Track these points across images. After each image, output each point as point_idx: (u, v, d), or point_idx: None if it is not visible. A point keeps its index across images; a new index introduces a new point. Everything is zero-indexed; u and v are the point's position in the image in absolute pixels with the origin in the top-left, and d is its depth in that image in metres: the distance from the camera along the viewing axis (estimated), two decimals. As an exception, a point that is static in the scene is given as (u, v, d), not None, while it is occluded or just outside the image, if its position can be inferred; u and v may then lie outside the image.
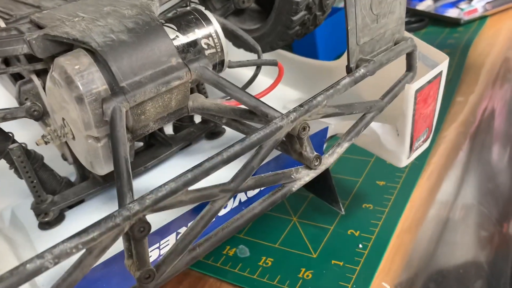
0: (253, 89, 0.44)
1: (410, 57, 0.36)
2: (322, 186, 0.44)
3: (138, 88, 0.29)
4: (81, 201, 0.41)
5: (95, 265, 0.31)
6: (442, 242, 0.50)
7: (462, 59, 0.68)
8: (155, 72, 0.30)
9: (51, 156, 0.42)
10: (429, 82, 0.35)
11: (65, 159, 0.42)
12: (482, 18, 0.80)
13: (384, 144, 0.38)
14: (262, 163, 0.36)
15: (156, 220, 0.33)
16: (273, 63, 0.40)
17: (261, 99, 0.40)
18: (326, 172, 0.42)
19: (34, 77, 0.35)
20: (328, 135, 0.41)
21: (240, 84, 0.44)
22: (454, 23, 0.80)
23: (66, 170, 0.43)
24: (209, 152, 0.46)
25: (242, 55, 0.46)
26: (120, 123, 0.28)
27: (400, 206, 0.44)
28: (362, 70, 0.33)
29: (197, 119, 0.47)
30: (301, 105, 0.30)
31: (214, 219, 0.35)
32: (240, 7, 0.45)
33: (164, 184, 0.25)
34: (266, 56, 0.48)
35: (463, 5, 0.84)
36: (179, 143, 0.44)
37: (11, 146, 0.35)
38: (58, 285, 0.23)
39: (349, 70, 0.34)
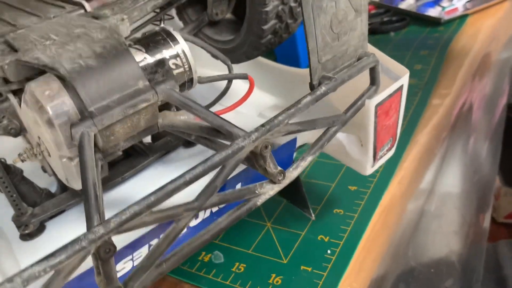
0: (229, 95, 0.45)
1: (373, 72, 0.38)
2: (294, 192, 0.45)
3: (106, 112, 0.30)
4: (61, 211, 0.42)
5: (70, 280, 0.33)
6: (413, 243, 0.52)
7: (440, 60, 0.70)
8: (123, 96, 0.31)
9: (32, 167, 0.43)
10: (390, 96, 0.37)
11: (44, 171, 0.43)
12: (463, 17, 0.82)
13: (350, 153, 0.40)
14: (232, 175, 0.38)
15: (129, 234, 0.34)
16: (244, 77, 0.41)
17: (237, 108, 0.42)
18: (297, 180, 0.44)
19: (11, 96, 0.37)
20: (298, 144, 0.43)
21: (216, 92, 0.46)
22: (435, 22, 0.81)
23: (47, 181, 0.45)
24: (187, 160, 0.48)
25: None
26: (88, 147, 0.29)
27: (369, 211, 0.45)
28: (323, 88, 0.34)
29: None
30: (262, 125, 0.31)
31: (184, 230, 0.37)
32: (214, 19, 0.47)
33: (128, 207, 0.26)
34: (244, 65, 0.50)
35: (444, 3, 0.85)
36: (157, 152, 0.46)
37: (-9, 163, 0.36)
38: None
39: (311, 87, 0.35)
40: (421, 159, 0.54)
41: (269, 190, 0.33)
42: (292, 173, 0.35)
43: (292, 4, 0.43)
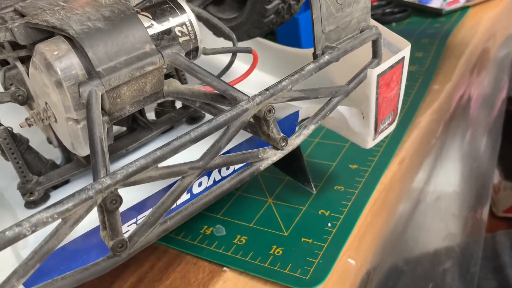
0: (232, 76, 0.46)
1: (375, 45, 0.38)
2: (295, 167, 0.46)
3: (113, 72, 0.31)
4: (66, 182, 0.43)
5: (75, 238, 0.33)
6: (412, 224, 0.53)
7: (441, 48, 0.70)
8: (130, 58, 0.32)
9: (38, 141, 0.44)
10: (391, 67, 0.37)
11: (50, 142, 0.44)
12: (464, 9, 0.82)
13: (351, 126, 0.41)
14: (235, 144, 0.39)
15: (133, 197, 0.35)
16: (248, 50, 0.42)
17: (237, 85, 0.43)
18: (298, 154, 0.45)
19: (19, 63, 0.37)
20: (300, 118, 0.43)
21: (218, 70, 0.46)
22: (436, 13, 0.82)
23: (52, 155, 0.45)
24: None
25: (221, 43, 0.48)
26: (96, 105, 0.30)
27: (369, 188, 0.46)
28: (326, 57, 0.35)
29: (178, 104, 0.49)
30: (266, 89, 0.32)
31: (188, 196, 0.37)
32: (218, -4, 0.47)
33: (135, 161, 0.27)
34: (246, 44, 0.50)
35: (446, -5, 0.86)
36: (160, 127, 0.46)
37: (-3, 128, 0.37)
38: (36, 251, 0.25)
39: (315, 57, 0.36)
40: (422, 142, 0.55)
41: (271, 156, 0.34)
42: (295, 141, 0.35)
43: (296, -16, 0.44)
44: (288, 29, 0.70)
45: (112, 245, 0.28)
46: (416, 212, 0.54)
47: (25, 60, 0.38)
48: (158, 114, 0.48)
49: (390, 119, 0.41)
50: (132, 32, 0.32)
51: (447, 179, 0.74)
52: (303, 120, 0.45)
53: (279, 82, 0.32)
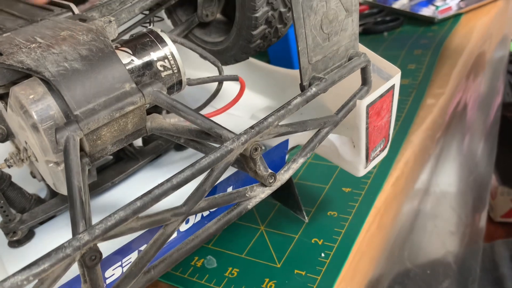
0: (222, 98, 0.44)
1: (364, 72, 0.37)
2: (286, 194, 0.45)
3: (91, 115, 0.30)
4: (51, 217, 0.42)
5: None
6: (408, 244, 0.52)
7: (434, 59, 0.69)
8: (109, 99, 0.30)
9: (22, 172, 0.42)
10: (381, 96, 0.36)
11: (34, 176, 0.42)
12: (456, 16, 0.81)
13: (342, 155, 0.40)
14: (222, 179, 0.37)
15: (117, 240, 0.34)
16: (234, 79, 0.40)
17: (229, 110, 0.42)
18: (289, 182, 0.43)
19: (-3, 101, 0.36)
20: (290, 146, 0.42)
21: (207, 94, 0.45)
22: (429, 21, 0.81)
23: (37, 186, 0.44)
24: (178, 163, 0.47)
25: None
26: (74, 152, 0.28)
27: (363, 213, 0.45)
28: (313, 89, 0.34)
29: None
30: (252, 127, 0.31)
31: (174, 235, 0.36)
32: (204, 21, 0.46)
33: (114, 213, 0.26)
34: (235, 66, 0.49)
35: (438, 2, 0.85)
36: (148, 156, 0.45)
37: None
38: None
39: (302, 88, 0.35)
40: (416, 160, 0.54)
41: (259, 193, 0.33)
42: (284, 176, 0.34)
43: (282, 10, 0.43)
44: (279, 47, 0.69)
45: (93, 301, 0.26)
46: (413, 232, 0.53)
47: (4, 97, 0.36)
48: (145, 141, 0.47)
49: (382, 146, 0.40)
50: (111, 72, 0.31)
51: (444, 188, 0.73)
52: (293, 148, 0.44)
53: (265, 119, 0.31)
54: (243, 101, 0.43)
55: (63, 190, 0.35)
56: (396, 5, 0.85)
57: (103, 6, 0.39)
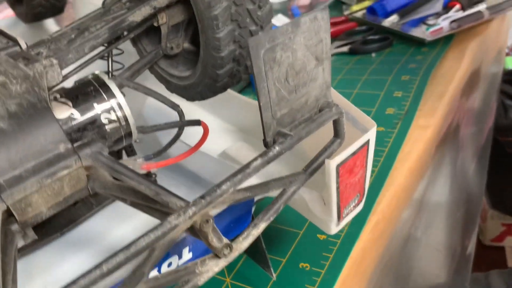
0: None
1: (336, 124, 0.34)
2: (253, 248, 0.41)
3: (17, 184, 0.26)
4: None
5: None
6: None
7: (422, 86, 0.66)
8: (39, 163, 0.27)
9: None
10: (354, 153, 0.33)
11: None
12: (448, 37, 0.78)
13: (313, 210, 0.36)
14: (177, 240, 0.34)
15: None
16: (196, 123, 0.37)
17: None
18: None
19: None
20: (257, 198, 0.39)
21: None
22: (419, 42, 0.77)
23: None
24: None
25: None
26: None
27: (338, 266, 0.41)
28: (277, 148, 0.30)
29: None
30: (202, 197, 0.27)
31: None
32: (169, 53, 0.42)
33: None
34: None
35: (430, 20, 0.81)
36: (103, 201, 0.41)
37: None
38: None
39: (265, 145, 0.31)
40: (398, 201, 0.51)
41: (212, 267, 0.29)
42: (242, 244, 0.30)
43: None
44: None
45: None
46: (399, 269, 0.50)
47: None
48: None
49: (356, 201, 0.36)
50: (43, 131, 0.27)
51: (435, 207, 0.70)
52: (260, 199, 0.40)
53: (218, 186, 0.28)
54: (215, 134, 0.40)
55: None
56: (386, 23, 0.81)
57: (52, 41, 0.35)
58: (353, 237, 0.44)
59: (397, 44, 0.80)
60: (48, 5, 0.66)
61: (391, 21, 0.82)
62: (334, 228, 0.36)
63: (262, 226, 0.31)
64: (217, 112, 0.54)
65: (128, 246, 0.25)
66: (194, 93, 0.43)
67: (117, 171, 0.28)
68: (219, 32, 0.36)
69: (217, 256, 0.29)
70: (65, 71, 0.34)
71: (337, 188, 0.33)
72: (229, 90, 0.49)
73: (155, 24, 0.41)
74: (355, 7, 0.93)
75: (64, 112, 0.29)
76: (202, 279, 0.29)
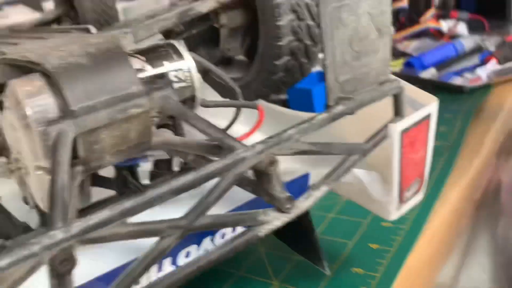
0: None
1: (397, 100, 0.34)
2: (305, 243, 0.39)
3: (90, 112, 0.26)
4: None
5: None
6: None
7: (465, 124, 0.66)
8: (112, 98, 0.27)
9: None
10: (416, 124, 0.32)
11: (26, 202, 0.39)
12: (487, 87, 0.79)
13: (371, 193, 0.35)
14: (230, 208, 0.33)
15: (102, 263, 0.29)
16: (253, 106, 0.37)
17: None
18: (308, 226, 0.38)
19: (-3, 110, 0.34)
20: (312, 182, 0.38)
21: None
22: (459, 90, 0.78)
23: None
24: (186, 203, 0.43)
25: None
26: (63, 148, 0.25)
27: (393, 271, 0.39)
28: (340, 107, 0.30)
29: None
30: (270, 137, 0.27)
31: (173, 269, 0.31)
32: (226, 55, 0.44)
33: (97, 212, 0.21)
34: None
35: (467, 74, 0.83)
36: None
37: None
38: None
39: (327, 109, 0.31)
40: (452, 222, 0.48)
41: (274, 219, 0.28)
42: (303, 204, 0.29)
43: (308, 42, 0.41)
44: (301, 101, 0.67)
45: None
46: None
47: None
48: (153, 177, 0.43)
49: (417, 188, 0.35)
50: (118, 71, 0.28)
51: (478, 272, 0.65)
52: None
53: (285, 131, 0.27)
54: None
55: (52, 208, 0.31)
56: (424, 75, 0.84)
57: (123, 25, 0.38)
58: (408, 246, 0.42)
59: (436, 93, 0.81)
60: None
61: (429, 73, 0.84)
62: (394, 212, 0.35)
63: (323, 189, 0.30)
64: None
65: (199, 169, 0.24)
66: (248, 93, 0.44)
67: (186, 115, 0.28)
68: (280, 20, 0.38)
69: (279, 209, 0.28)
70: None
71: (400, 159, 0.32)
72: (270, 104, 0.50)
73: (216, 25, 0.43)
74: (392, 63, 0.97)
75: (137, 64, 0.31)
76: (263, 230, 0.28)
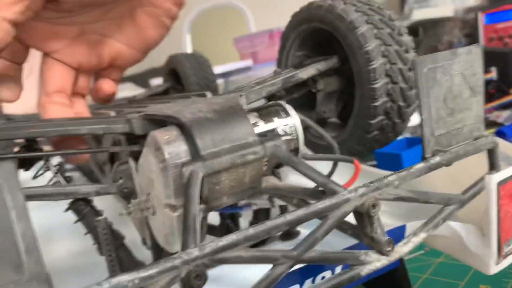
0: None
1: (491, 154, 0.35)
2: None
3: (216, 157, 0.31)
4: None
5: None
6: None
7: None
8: (233, 146, 0.32)
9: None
10: (514, 178, 0.33)
11: (144, 243, 0.44)
12: None
13: (468, 246, 0.35)
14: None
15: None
16: (350, 160, 0.40)
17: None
18: (406, 283, 0.39)
19: (130, 160, 0.40)
20: (407, 233, 0.39)
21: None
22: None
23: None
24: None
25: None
26: (195, 185, 0.30)
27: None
28: (437, 158, 0.32)
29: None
30: (371, 182, 0.30)
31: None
32: (321, 117, 0.48)
33: (225, 236, 0.25)
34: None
35: None
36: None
37: (99, 218, 0.38)
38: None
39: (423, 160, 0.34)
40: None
41: (375, 261, 0.30)
42: (402, 248, 0.31)
43: (401, 103, 0.44)
44: (390, 165, 0.69)
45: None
46: None
47: (136, 158, 0.40)
48: (251, 225, 0.47)
49: (517, 242, 0.35)
50: (238, 124, 0.33)
51: None
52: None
53: (386, 177, 0.30)
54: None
55: (173, 245, 0.35)
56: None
57: (237, 90, 0.44)
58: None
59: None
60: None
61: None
62: (493, 266, 0.35)
63: (421, 235, 0.32)
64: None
65: (307, 207, 0.28)
66: (342, 150, 0.47)
67: (293, 162, 0.32)
68: (376, 83, 0.41)
69: (379, 251, 0.30)
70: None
71: (498, 212, 0.33)
72: (363, 165, 0.53)
73: (313, 90, 0.48)
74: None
75: (252, 119, 0.36)
76: (365, 270, 0.30)
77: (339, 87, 0.48)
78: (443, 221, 0.33)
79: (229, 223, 0.45)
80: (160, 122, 0.35)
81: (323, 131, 0.41)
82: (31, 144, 0.36)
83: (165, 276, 0.23)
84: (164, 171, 0.32)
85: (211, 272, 0.42)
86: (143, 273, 0.23)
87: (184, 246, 0.27)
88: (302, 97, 0.50)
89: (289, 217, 0.27)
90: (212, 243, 0.25)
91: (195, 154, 0.32)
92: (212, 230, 0.46)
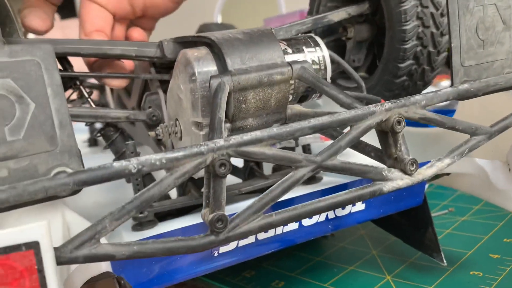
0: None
1: (523, 91, 0.35)
2: (421, 234, 0.40)
3: (243, 73, 0.32)
4: (175, 216, 0.42)
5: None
6: None
7: None
8: (261, 65, 0.33)
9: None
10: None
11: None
12: None
13: (494, 183, 0.35)
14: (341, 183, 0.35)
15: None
16: (376, 100, 0.40)
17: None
18: (426, 217, 0.39)
19: (160, 90, 0.41)
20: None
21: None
22: None
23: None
24: (305, 196, 0.46)
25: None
26: (223, 93, 0.30)
27: (517, 276, 0.37)
28: (466, 85, 0.32)
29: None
30: (397, 99, 0.30)
31: (296, 226, 0.34)
32: (351, 66, 0.48)
33: (251, 132, 0.26)
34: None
35: None
36: (276, 179, 0.45)
37: (128, 142, 0.39)
38: (136, 197, 0.24)
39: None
40: None
41: (397, 179, 0.30)
42: (426, 171, 0.31)
43: (431, 49, 0.43)
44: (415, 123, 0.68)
45: (211, 219, 0.25)
46: None
47: (165, 91, 0.41)
48: (274, 171, 0.47)
49: (545, 180, 0.35)
50: (267, 45, 0.34)
51: None
52: (433, 179, 0.40)
53: (413, 96, 0.30)
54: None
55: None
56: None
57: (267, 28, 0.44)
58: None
59: None
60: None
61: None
62: (519, 203, 0.34)
63: (446, 161, 0.32)
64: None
65: (332, 114, 0.28)
66: (369, 96, 0.47)
67: (320, 83, 0.32)
68: (406, 24, 0.41)
69: (402, 171, 0.30)
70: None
71: (526, 144, 0.33)
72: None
73: (343, 38, 0.48)
74: None
75: (282, 46, 0.36)
76: (387, 186, 0.30)
77: (369, 36, 0.48)
78: (468, 150, 0.32)
79: (252, 165, 0.45)
80: (191, 45, 0.36)
81: (351, 69, 0.41)
82: (62, 63, 0.38)
83: (191, 161, 0.24)
84: (193, 85, 0.33)
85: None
86: (170, 155, 0.24)
87: (210, 132, 0.27)
88: (332, 48, 0.49)
89: (313, 121, 0.27)
90: (238, 136, 0.25)
91: (223, 70, 0.32)
92: (237, 172, 0.46)
